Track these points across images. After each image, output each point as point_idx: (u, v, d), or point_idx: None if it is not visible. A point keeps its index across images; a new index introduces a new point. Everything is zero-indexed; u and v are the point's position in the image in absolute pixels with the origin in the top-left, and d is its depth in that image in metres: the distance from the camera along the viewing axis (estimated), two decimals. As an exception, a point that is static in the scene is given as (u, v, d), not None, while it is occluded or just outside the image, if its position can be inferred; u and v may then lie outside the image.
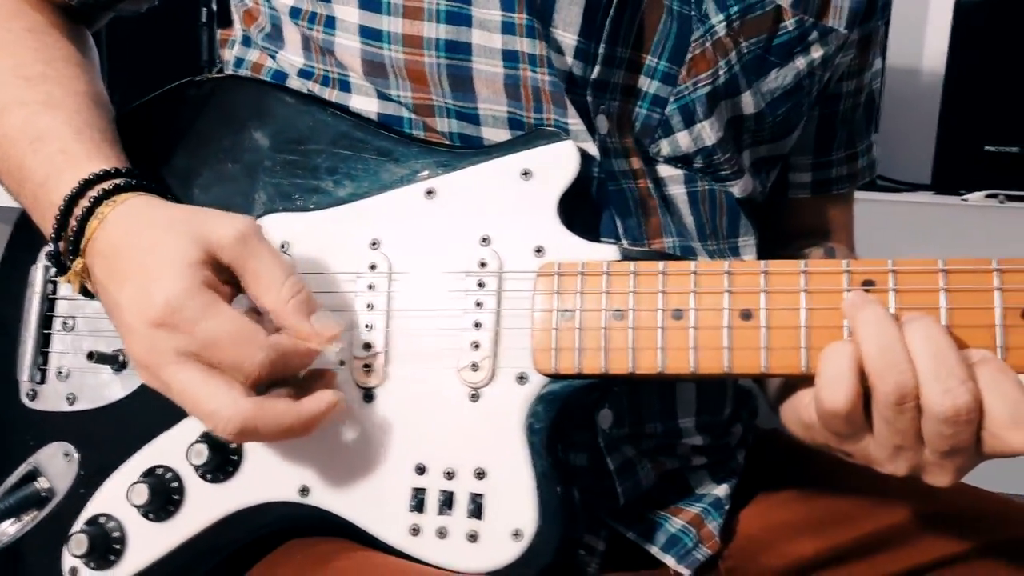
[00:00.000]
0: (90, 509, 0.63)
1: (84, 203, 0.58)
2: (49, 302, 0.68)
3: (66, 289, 0.67)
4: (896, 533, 0.69)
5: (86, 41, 0.72)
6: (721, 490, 0.70)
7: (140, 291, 0.54)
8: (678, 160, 0.67)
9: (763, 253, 0.73)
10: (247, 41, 0.71)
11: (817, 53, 0.69)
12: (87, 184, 0.58)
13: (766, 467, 0.75)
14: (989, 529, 0.68)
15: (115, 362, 0.64)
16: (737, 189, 0.70)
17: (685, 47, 0.65)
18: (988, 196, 1.32)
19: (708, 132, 0.66)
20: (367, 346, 0.59)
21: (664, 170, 0.67)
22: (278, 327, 0.55)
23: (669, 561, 0.66)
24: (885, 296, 0.52)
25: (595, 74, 0.63)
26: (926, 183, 1.51)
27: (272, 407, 0.53)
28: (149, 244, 0.55)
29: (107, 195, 0.58)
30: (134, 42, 1.27)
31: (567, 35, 0.62)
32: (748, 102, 0.68)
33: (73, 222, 0.58)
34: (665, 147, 0.66)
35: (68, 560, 0.62)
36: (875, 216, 1.11)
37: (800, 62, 0.69)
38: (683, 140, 0.66)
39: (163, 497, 0.61)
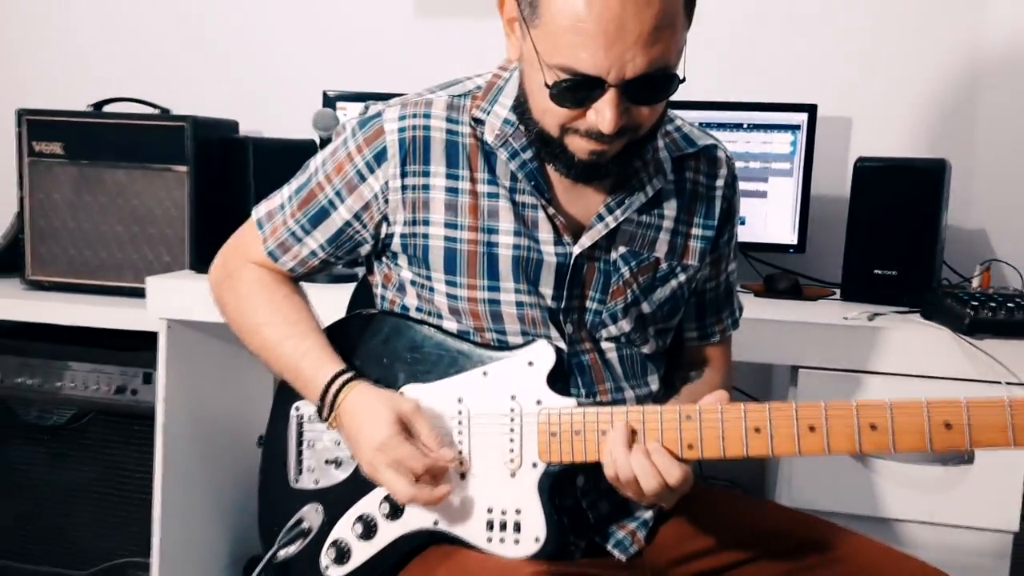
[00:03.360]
0: (332, 536, 1.27)
1: (335, 387, 1.22)
2: (298, 433, 1.34)
3: (308, 427, 1.32)
4: (730, 540, 1.27)
5: (302, 288, 1.37)
6: (648, 514, 1.31)
7: (369, 433, 1.17)
8: (612, 340, 1.28)
9: (665, 380, 1.34)
10: (385, 287, 1.34)
11: (683, 277, 1.30)
12: (335, 377, 1.22)
13: (682, 498, 1.31)
14: (786, 535, 1.26)
15: (338, 463, 1.29)
16: (646, 349, 1.31)
17: (608, 285, 1.26)
18: (862, 313, 1.79)
19: (624, 325, 1.27)
20: (460, 452, 1.22)
21: (605, 345, 1.28)
22: (428, 452, 1.18)
23: (616, 553, 1.28)
24: (697, 425, 1.13)
25: (563, 305, 1.24)
26: (838, 287, 2.07)
27: (423, 490, 1.15)
28: (371, 409, 1.19)
29: (346, 383, 1.22)
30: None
31: (547, 290, 1.23)
32: (646, 307, 1.28)
33: (330, 396, 1.22)
34: (604, 334, 1.27)
35: (324, 561, 1.27)
36: (784, 331, 1.75)
37: (673, 283, 1.29)
38: (613, 330, 1.27)
39: (367, 529, 1.25)
